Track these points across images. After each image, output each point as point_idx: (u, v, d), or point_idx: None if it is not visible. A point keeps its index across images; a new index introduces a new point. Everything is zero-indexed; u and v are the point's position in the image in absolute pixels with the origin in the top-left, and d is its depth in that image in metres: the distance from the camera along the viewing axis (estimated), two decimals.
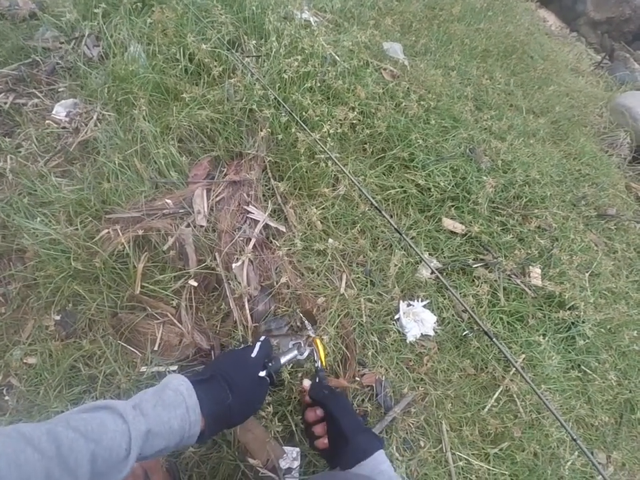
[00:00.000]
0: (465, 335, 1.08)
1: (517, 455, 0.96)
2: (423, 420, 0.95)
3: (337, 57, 1.30)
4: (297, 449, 0.84)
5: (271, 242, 1.04)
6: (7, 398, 0.92)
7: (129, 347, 0.94)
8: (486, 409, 1.00)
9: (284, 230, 1.06)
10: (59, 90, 1.27)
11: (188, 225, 0.99)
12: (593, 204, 1.52)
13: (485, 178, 1.29)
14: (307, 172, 1.11)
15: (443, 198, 1.25)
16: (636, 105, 1.93)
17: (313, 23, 1.43)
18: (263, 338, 0.77)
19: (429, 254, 1.18)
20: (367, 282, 1.08)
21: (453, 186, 1.26)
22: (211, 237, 0.98)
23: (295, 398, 0.88)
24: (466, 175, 1.29)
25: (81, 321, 0.96)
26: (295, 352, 0.82)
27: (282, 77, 1.17)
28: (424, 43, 1.68)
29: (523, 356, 1.09)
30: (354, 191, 1.15)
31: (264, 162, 1.13)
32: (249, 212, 1.05)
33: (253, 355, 0.72)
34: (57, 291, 0.96)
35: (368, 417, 0.93)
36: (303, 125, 1.05)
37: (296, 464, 0.83)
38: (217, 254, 0.97)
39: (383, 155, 1.27)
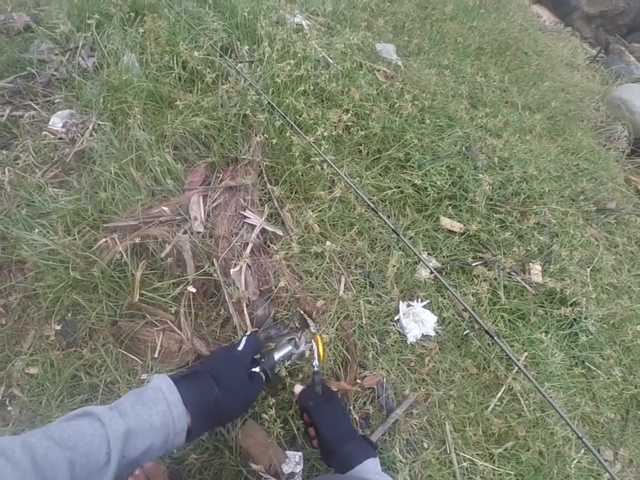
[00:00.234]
0: (466, 335, 1.07)
1: (522, 455, 0.95)
2: (426, 421, 0.95)
3: (329, 59, 1.31)
4: (300, 453, 0.84)
5: (269, 246, 1.04)
6: (9, 408, 0.93)
7: (129, 354, 0.94)
8: (489, 409, 0.99)
9: (281, 234, 1.06)
10: (55, 101, 1.28)
11: (185, 232, 0.99)
12: (592, 198, 1.51)
13: (481, 176, 1.29)
14: (302, 175, 1.11)
15: (440, 197, 1.25)
16: (632, 98, 1.92)
17: (305, 27, 1.44)
18: (249, 332, 0.77)
19: (428, 254, 1.18)
20: (365, 283, 1.08)
21: (449, 185, 1.26)
22: (208, 242, 0.99)
23: (296, 402, 0.88)
24: (462, 173, 1.29)
25: (81, 330, 0.96)
26: (290, 347, 0.81)
27: (275, 81, 1.18)
28: (417, 43, 1.68)
29: (526, 354, 1.08)
30: (350, 192, 1.15)
31: (259, 166, 1.13)
32: (245, 217, 1.05)
33: (239, 348, 0.71)
34: (56, 300, 0.97)
35: (370, 419, 0.92)
36: (297, 129, 1.05)
37: (299, 468, 0.82)
38: (214, 260, 0.97)
39: (378, 155, 1.27)
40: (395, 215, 1.22)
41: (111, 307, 0.95)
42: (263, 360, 0.75)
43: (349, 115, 1.20)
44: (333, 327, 0.96)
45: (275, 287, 0.96)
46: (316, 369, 0.80)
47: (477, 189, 1.26)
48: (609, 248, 1.43)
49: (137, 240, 0.95)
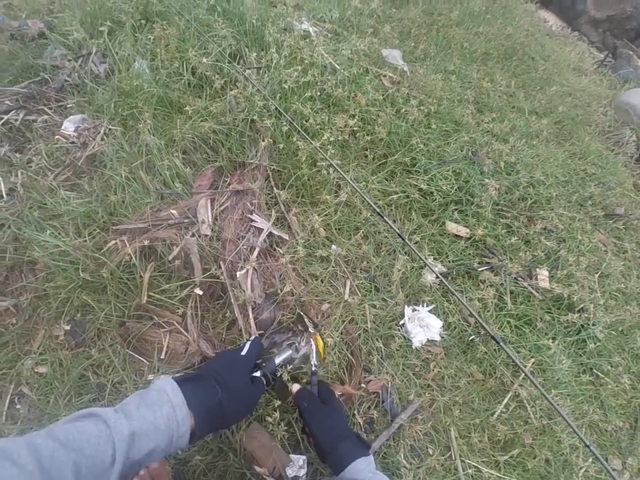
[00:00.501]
0: (471, 340, 1.06)
1: (528, 462, 0.94)
2: (431, 427, 0.94)
3: (336, 65, 1.32)
4: (304, 457, 0.84)
5: (275, 249, 1.05)
6: (18, 407, 0.94)
7: (136, 355, 0.96)
8: (495, 415, 0.99)
9: (287, 238, 1.07)
10: (68, 106, 1.31)
11: (193, 235, 1.00)
12: (600, 204, 1.50)
13: (488, 180, 1.29)
14: (308, 180, 1.12)
15: (446, 202, 1.25)
16: None
17: (312, 33, 1.46)
18: (253, 337, 0.77)
19: (434, 258, 1.17)
20: (371, 288, 1.08)
21: (455, 189, 1.26)
22: (216, 245, 1.00)
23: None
24: (469, 178, 1.29)
25: (89, 331, 0.98)
26: (290, 351, 0.82)
27: (282, 87, 1.19)
28: (423, 49, 1.69)
29: (532, 360, 1.07)
30: (356, 197, 1.16)
31: (266, 171, 1.15)
32: (252, 220, 1.06)
33: (243, 353, 0.72)
34: (66, 301, 0.99)
35: (374, 424, 0.92)
36: (304, 134, 1.06)
37: (302, 472, 0.83)
38: (221, 262, 0.98)
39: (384, 160, 1.27)
40: (400, 220, 1.22)
41: (119, 307, 0.96)
42: (264, 364, 0.76)
43: (355, 120, 1.21)
44: (337, 331, 0.96)
45: (281, 291, 0.97)
46: (314, 369, 0.81)
47: (483, 193, 1.26)
48: (618, 254, 1.41)
49: (146, 242, 0.96)
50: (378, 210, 0.95)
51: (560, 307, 1.17)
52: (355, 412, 0.92)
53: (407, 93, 1.39)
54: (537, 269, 1.22)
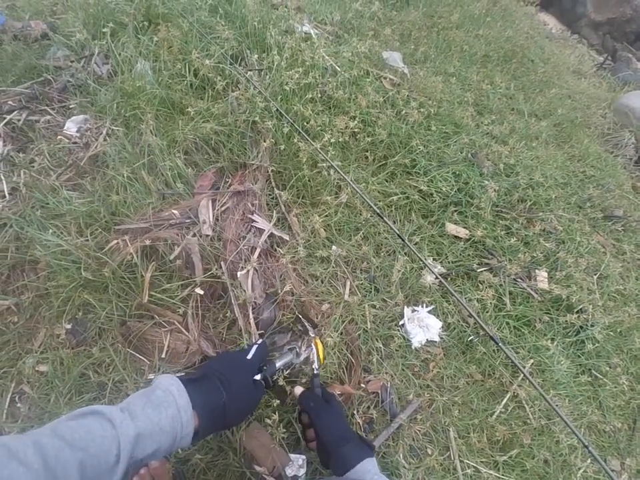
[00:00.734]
0: (471, 341, 1.07)
1: (526, 463, 0.94)
2: (430, 427, 0.95)
3: (337, 67, 1.33)
4: (303, 457, 0.84)
5: (275, 250, 1.05)
6: (19, 405, 0.95)
7: (137, 354, 0.96)
8: (494, 416, 0.99)
9: (287, 238, 1.08)
10: (70, 107, 1.32)
11: (194, 235, 1.01)
12: (599, 205, 1.51)
13: (487, 182, 1.30)
14: (309, 181, 1.13)
15: (445, 203, 1.26)
16: None
17: (313, 36, 1.47)
18: (260, 341, 0.78)
19: (433, 259, 1.18)
20: (370, 288, 1.08)
21: (455, 191, 1.26)
22: (217, 246, 1.00)
23: (296, 404, 0.89)
24: (468, 179, 1.29)
25: (91, 330, 0.98)
26: (291, 356, 0.83)
27: (284, 88, 1.20)
28: (423, 51, 1.70)
29: (531, 361, 1.08)
30: (356, 198, 1.17)
31: (267, 172, 1.15)
32: (253, 221, 1.06)
33: (249, 357, 0.72)
34: (68, 300, 0.99)
35: (374, 424, 0.92)
36: (305, 135, 1.07)
37: (302, 471, 0.83)
38: (222, 262, 0.98)
39: (384, 162, 1.28)
40: (400, 221, 1.23)
41: (120, 307, 0.97)
42: (265, 367, 0.76)
43: (356, 121, 1.22)
44: (337, 331, 0.96)
45: (281, 291, 0.97)
46: (315, 371, 0.81)
47: (482, 195, 1.27)
48: (616, 255, 1.42)
49: (148, 242, 0.97)
50: (378, 211, 0.96)
51: (559, 308, 1.18)
52: (355, 412, 0.92)
53: (407, 95, 1.40)
54: (536, 270, 1.22)
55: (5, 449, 0.41)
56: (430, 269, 0.93)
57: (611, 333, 1.18)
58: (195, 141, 1.14)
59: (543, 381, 1.06)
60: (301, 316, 0.96)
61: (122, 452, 0.48)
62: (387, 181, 1.26)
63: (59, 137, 1.24)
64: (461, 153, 1.36)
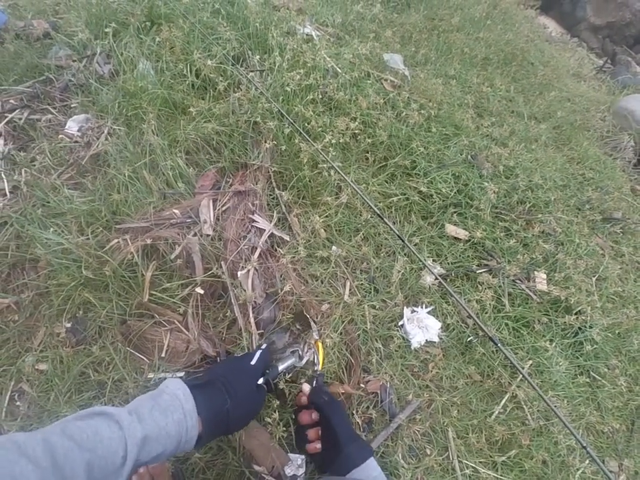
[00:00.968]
0: (470, 341, 1.07)
1: (525, 463, 0.94)
2: (429, 427, 0.95)
3: (338, 69, 1.34)
4: (302, 456, 0.85)
5: (276, 250, 1.06)
6: (18, 403, 0.95)
7: (137, 353, 0.96)
8: (493, 416, 0.99)
9: (288, 238, 1.08)
10: (72, 106, 1.32)
11: (195, 234, 1.01)
12: (597, 208, 1.51)
13: (487, 184, 1.30)
14: (310, 181, 1.14)
15: (445, 204, 1.26)
16: (639, 108, 1.93)
17: (314, 37, 1.48)
18: (264, 346, 0.78)
19: (433, 260, 1.19)
20: (370, 288, 1.09)
21: (455, 192, 1.27)
22: (217, 245, 1.01)
23: (296, 404, 0.89)
24: (468, 181, 1.30)
25: (91, 328, 0.98)
26: (293, 359, 0.83)
27: (285, 90, 1.21)
28: (424, 53, 1.71)
29: (530, 362, 1.08)
30: (356, 199, 1.17)
31: (268, 172, 1.16)
32: (254, 221, 1.07)
33: (253, 362, 0.73)
34: (68, 299, 0.99)
35: (373, 424, 0.93)
36: (306, 136, 1.08)
37: (301, 471, 0.83)
38: (222, 262, 0.99)
39: (384, 163, 1.29)
40: (400, 222, 1.23)
41: (120, 306, 0.97)
42: (267, 371, 0.76)
43: (357, 123, 1.23)
44: (337, 331, 0.97)
45: (281, 291, 0.98)
46: (319, 372, 0.82)
47: (482, 196, 1.27)
48: (615, 257, 1.43)
49: (148, 241, 0.97)
50: (378, 212, 0.96)
51: (557, 310, 1.18)
52: (354, 412, 0.92)
53: (408, 97, 1.40)
54: (535, 272, 1.23)
55: (15, 445, 0.42)
56: (429, 270, 0.93)
57: (610, 335, 1.19)
58: (196, 140, 1.15)
59: (541, 381, 1.07)
60: (300, 316, 0.96)
61: (129, 454, 0.49)
62: (387, 182, 1.27)
63: (60, 135, 1.24)
64: (461, 154, 1.36)
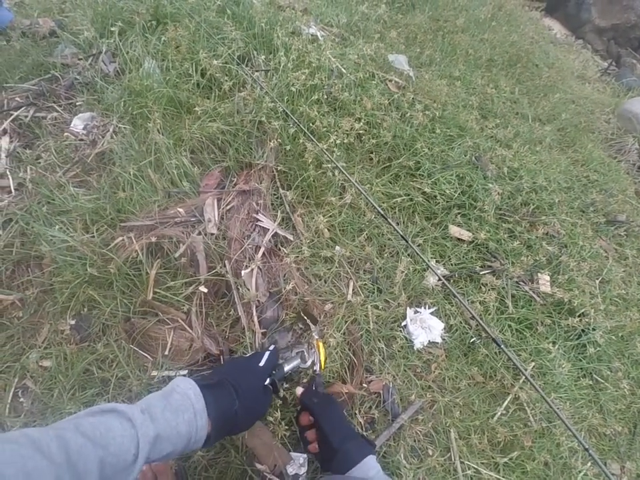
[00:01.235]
0: (472, 343, 1.07)
1: (527, 465, 0.94)
2: (431, 427, 0.95)
3: (343, 69, 1.34)
4: (304, 455, 0.85)
5: (279, 249, 1.06)
6: (22, 400, 0.95)
7: (140, 351, 0.96)
8: (495, 418, 0.99)
9: (292, 238, 1.08)
10: (77, 104, 1.33)
11: (199, 233, 1.02)
12: (601, 210, 1.51)
13: (491, 185, 1.30)
14: (314, 181, 1.14)
15: (449, 205, 1.26)
16: None
17: (319, 38, 1.48)
18: (272, 348, 0.79)
19: (436, 261, 1.18)
20: (373, 289, 1.09)
21: (459, 194, 1.27)
22: (221, 244, 1.01)
23: (296, 405, 0.89)
24: (472, 182, 1.30)
25: (95, 326, 0.99)
26: (298, 360, 0.84)
27: (290, 89, 1.21)
28: (429, 54, 1.71)
29: (533, 364, 1.08)
30: (360, 199, 1.17)
31: (273, 172, 1.16)
32: (258, 220, 1.07)
33: (261, 364, 0.74)
34: (72, 296, 1.00)
35: (375, 424, 0.93)
36: (310, 136, 1.08)
37: (303, 470, 0.83)
38: (226, 261, 0.99)
39: (389, 164, 1.29)
40: (404, 222, 1.23)
41: (124, 303, 0.97)
42: (274, 372, 0.77)
43: (361, 123, 1.23)
44: (340, 331, 0.97)
45: (285, 290, 0.98)
46: (318, 371, 0.82)
47: (486, 198, 1.27)
48: (619, 260, 1.42)
49: (153, 239, 0.98)
50: (382, 212, 0.96)
51: (561, 312, 1.18)
52: (357, 411, 0.92)
53: (412, 98, 1.40)
54: (539, 274, 1.23)
55: (30, 440, 0.42)
56: (433, 271, 0.93)
57: (613, 337, 1.18)
58: (201, 140, 1.15)
59: (544, 383, 1.06)
60: (303, 314, 0.96)
61: (140, 452, 0.50)
62: (391, 183, 1.27)
63: (66, 133, 1.25)
64: (465, 156, 1.36)
